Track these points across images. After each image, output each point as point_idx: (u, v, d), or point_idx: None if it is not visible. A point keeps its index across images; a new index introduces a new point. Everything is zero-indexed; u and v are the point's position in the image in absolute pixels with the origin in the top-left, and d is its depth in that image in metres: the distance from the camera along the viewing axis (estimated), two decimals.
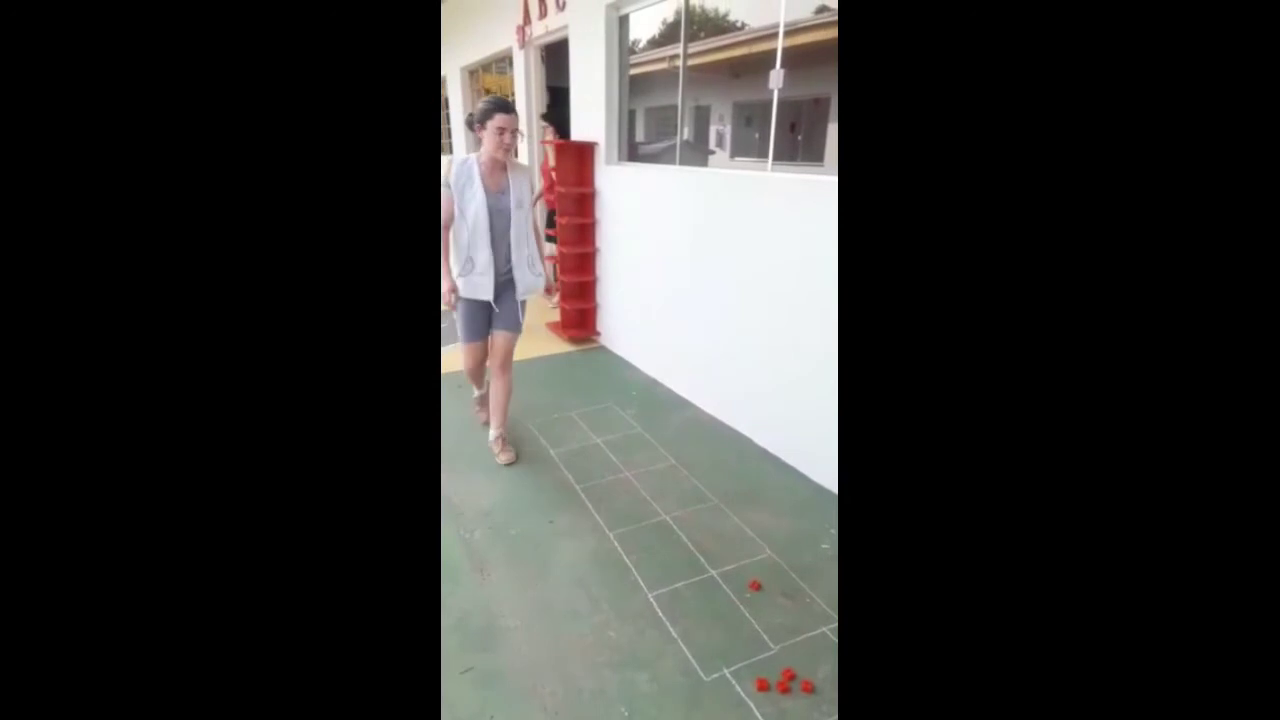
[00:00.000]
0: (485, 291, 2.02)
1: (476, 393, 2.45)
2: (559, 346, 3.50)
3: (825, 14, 2.10)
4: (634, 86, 3.13)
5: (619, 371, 3.17)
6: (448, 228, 1.97)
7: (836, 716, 1.24)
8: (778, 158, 2.26)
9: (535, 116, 4.24)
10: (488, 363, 2.20)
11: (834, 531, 1.83)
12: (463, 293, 2.02)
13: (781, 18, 2.10)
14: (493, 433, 2.26)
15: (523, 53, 4.15)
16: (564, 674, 1.34)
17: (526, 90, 4.23)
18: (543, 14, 3.63)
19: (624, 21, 2.96)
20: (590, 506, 1.96)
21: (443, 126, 6.83)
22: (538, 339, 3.58)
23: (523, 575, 1.65)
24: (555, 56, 3.95)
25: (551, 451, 2.30)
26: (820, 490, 2.06)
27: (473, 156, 1.97)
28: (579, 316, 3.56)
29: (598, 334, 3.60)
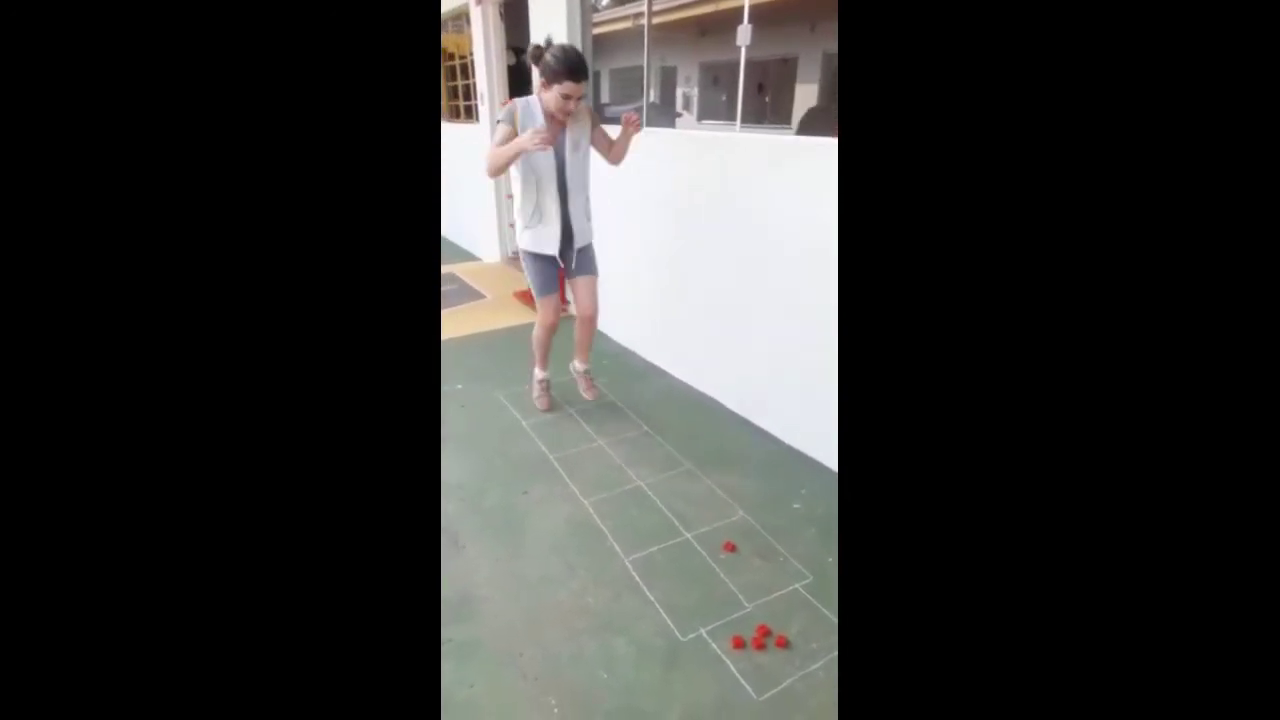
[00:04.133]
0: (551, 245, 2.00)
1: (540, 375, 2.33)
2: (529, 316, 3.43)
3: None
4: (599, 46, 3.02)
5: None
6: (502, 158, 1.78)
7: (810, 669, 1.28)
8: (745, 119, 2.22)
9: (502, 77, 4.07)
10: (574, 309, 2.21)
11: (804, 491, 1.87)
12: (530, 247, 2.02)
13: None
14: (580, 367, 2.34)
15: (480, 9, 3.96)
16: (542, 641, 1.35)
17: (485, 50, 4.06)
18: None
19: None
20: (564, 475, 1.95)
21: None
22: (507, 309, 3.52)
23: (498, 545, 1.64)
24: (514, 14, 3.78)
25: (524, 422, 2.28)
26: (791, 451, 2.09)
27: (534, 99, 1.85)
28: None
29: (567, 303, 3.55)
